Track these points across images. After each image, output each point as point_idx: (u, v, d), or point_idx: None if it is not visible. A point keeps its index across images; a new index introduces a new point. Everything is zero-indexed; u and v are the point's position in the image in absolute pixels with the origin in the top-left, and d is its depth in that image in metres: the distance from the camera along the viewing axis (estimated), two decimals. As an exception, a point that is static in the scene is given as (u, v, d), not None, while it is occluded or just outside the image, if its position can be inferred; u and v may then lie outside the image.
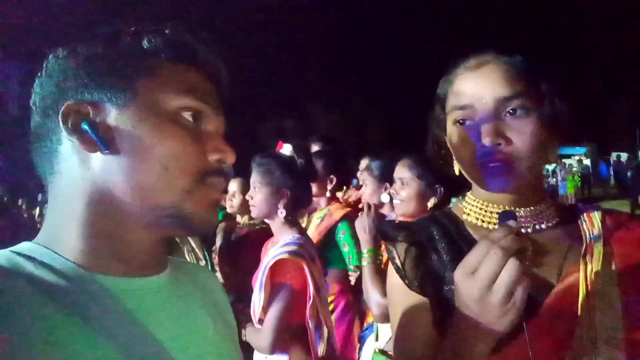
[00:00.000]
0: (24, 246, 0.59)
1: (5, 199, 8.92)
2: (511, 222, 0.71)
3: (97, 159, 0.59)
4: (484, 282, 0.66)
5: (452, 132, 0.91)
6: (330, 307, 2.46)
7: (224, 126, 0.69)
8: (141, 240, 0.63)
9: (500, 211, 0.85)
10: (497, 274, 0.66)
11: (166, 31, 0.66)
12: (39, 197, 8.05)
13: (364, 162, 3.30)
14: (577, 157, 21.31)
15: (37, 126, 0.62)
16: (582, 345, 0.77)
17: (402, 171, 1.92)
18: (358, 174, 2.63)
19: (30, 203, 8.68)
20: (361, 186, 3.47)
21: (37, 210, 7.85)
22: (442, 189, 1.86)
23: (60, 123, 0.58)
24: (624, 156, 20.26)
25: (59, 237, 0.60)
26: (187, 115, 0.63)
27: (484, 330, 0.70)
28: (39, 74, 0.63)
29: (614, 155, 21.51)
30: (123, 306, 0.58)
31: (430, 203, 1.87)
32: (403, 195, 1.90)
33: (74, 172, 0.60)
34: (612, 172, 20.17)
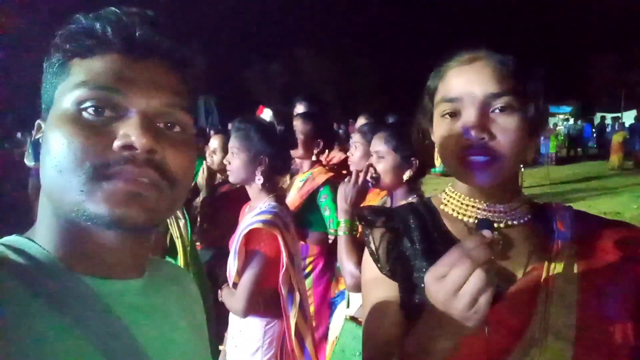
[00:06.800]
0: (12, 238, 0.62)
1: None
2: (486, 232, 0.72)
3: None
4: (450, 289, 0.68)
5: (438, 124, 0.93)
6: (309, 268, 2.53)
7: (152, 103, 0.61)
8: (102, 242, 0.61)
9: (479, 217, 0.90)
10: (463, 281, 0.67)
11: (72, 26, 0.61)
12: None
13: (360, 121, 3.17)
14: (561, 116, 21.37)
15: None
16: (533, 336, 0.82)
17: (378, 144, 1.89)
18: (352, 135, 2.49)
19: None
20: (344, 148, 3.42)
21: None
22: (417, 161, 1.85)
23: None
24: (608, 117, 20.34)
25: (43, 232, 0.62)
26: (90, 109, 0.58)
27: (449, 329, 0.73)
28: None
29: (598, 116, 21.63)
30: (102, 305, 0.59)
31: (406, 176, 1.86)
32: (379, 168, 1.88)
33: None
34: (594, 133, 20.36)
